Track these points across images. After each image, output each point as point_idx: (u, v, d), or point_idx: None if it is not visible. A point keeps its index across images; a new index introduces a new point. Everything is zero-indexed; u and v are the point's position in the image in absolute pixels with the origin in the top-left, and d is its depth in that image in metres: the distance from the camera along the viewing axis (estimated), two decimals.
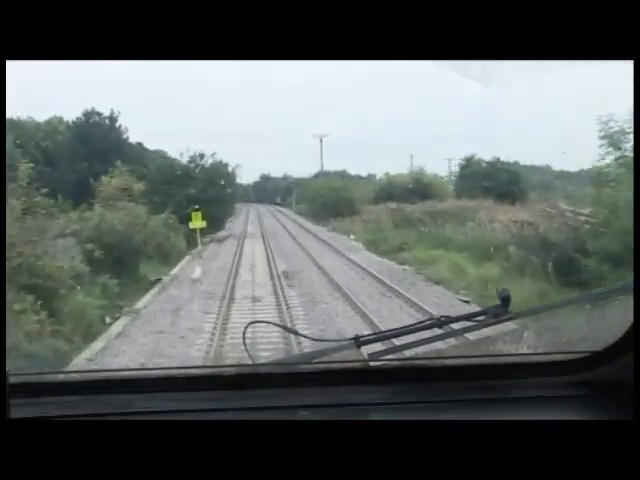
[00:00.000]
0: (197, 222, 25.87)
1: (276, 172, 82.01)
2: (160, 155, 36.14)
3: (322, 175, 55.22)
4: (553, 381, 1.54)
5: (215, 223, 30.46)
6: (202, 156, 33.22)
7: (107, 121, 35.07)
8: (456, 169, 44.62)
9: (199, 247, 25.61)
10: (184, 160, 33.01)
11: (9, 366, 1.21)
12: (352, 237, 30.64)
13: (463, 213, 26.54)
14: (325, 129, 58.22)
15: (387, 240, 25.36)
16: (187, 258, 23.47)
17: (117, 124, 35.44)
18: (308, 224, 41.91)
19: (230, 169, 34.51)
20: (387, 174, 47.51)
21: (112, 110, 35.51)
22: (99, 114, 35.18)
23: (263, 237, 32.85)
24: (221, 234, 32.90)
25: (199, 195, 29.53)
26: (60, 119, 35.72)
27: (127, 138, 35.85)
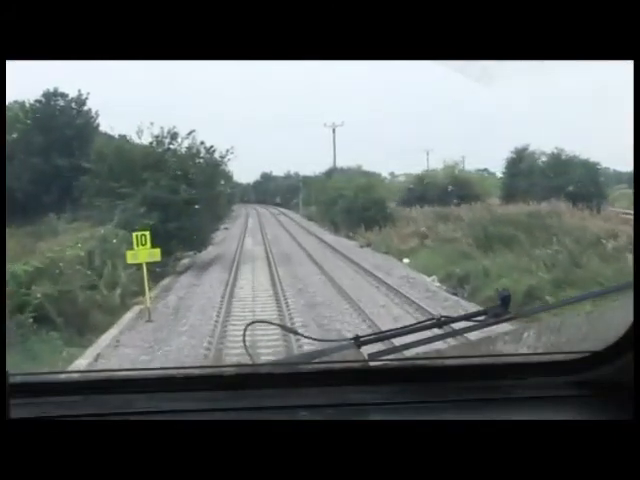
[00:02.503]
0: (142, 253, 13.46)
1: (278, 171, 76.39)
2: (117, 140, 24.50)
3: (336, 172, 44.89)
4: (553, 381, 1.54)
5: (195, 239, 21.72)
6: (174, 136, 22.65)
7: (73, 104, 27.98)
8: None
9: (147, 299, 13.39)
10: (144, 140, 22.58)
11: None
12: (405, 261, 21.43)
13: (548, 222, 18.79)
14: (335, 119, 49.10)
15: (499, 279, 13.66)
16: (124, 321, 12.82)
17: (85, 108, 28.10)
18: (328, 236, 31.45)
19: (219, 156, 24.21)
20: (420, 171, 39.19)
21: (80, 91, 28.13)
22: (63, 96, 28.01)
23: (269, 261, 21.96)
24: (204, 256, 23.04)
25: (169, 196, 20.35)
26: (22, 105, 28.02)
27: (97, 125, 27.80)
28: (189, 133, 23.22)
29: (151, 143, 22.75)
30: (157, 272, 17.19)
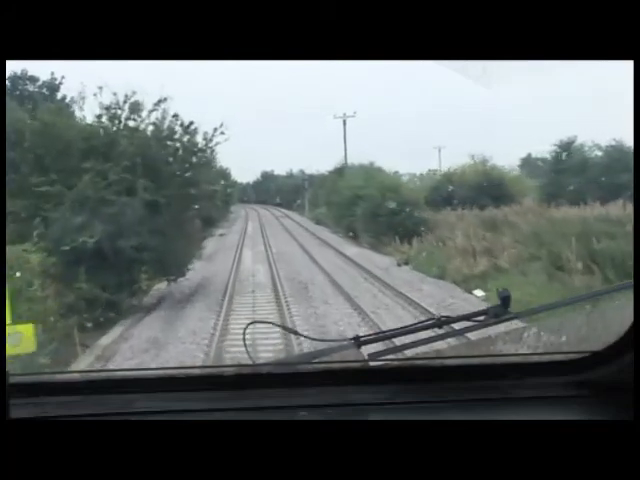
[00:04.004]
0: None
1: (280, 170, 72.74)
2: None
3: (348, 169, 37.20)
4: (553, 381, 1.54)
5: (167, 262, 14.78)
6: (135, 107, 14.93)
7: (45, 90, 23.31)
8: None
9: None
10: (89, 113, 14.93)
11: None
12: (479, 294, 14.10)
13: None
14: (346, 109, 42.70)
15: None
16: None
17: (59, 94, 22.22)
18: (348, 247, 24.44)
19: (204, 138, 16.22)
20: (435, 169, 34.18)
21: (53, 74, 22.76)
22: (33, 80, 22.87)
23: (277, 294, 14.98)
24: (183, 284, 16.29)
25: (121, 198, 13.66)
26: None
27: (72, 113, 18.10)
28: (158, 102, 15.18)
29: (98, 118, 14.78)
30: (108, 318, 12.28)
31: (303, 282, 16.71)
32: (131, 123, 15.58)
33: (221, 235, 29.23)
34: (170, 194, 15.15)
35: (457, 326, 1.73)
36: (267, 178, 74.42)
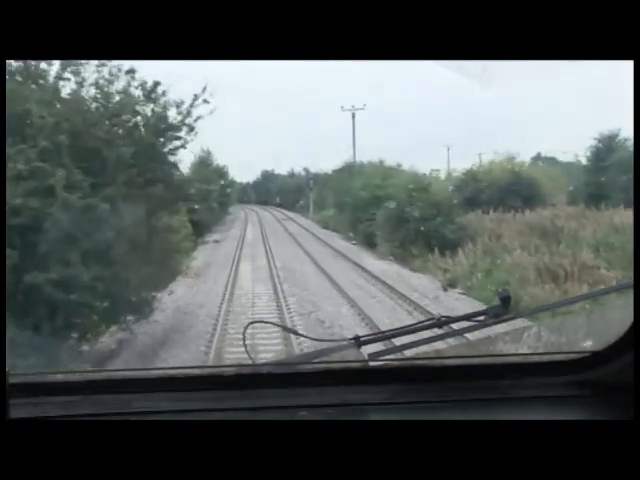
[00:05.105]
0: None
1: (280, 169, 70.27)
2: None
3: (358, 167, 34.00)
4: (553, 381, 1.54)
5: (118, 307, 9.73)
6: (75, 64, 9.66)
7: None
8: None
9: None
10: None
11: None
12: None
13: None
14: (346, 103, 37.87)
15: None
16: None
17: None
18: (371, 261, 19.65)
19: (176, 106, 10.83)
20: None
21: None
22: None
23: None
24: (142, 336, 10.07)
25: (26, 200, 8.32)
26: None
27: None
28: (119, 70, 10.54)
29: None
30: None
31: (323, 320, 11.91)
32: (64, 88, 10.18)
33: (216, 242, 24.30)
34: (117, 194, 9.64)
35: (457, 326, 1.73)
36: (268, 177, 72.32)
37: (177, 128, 11.09)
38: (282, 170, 69.15)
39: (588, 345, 1.60)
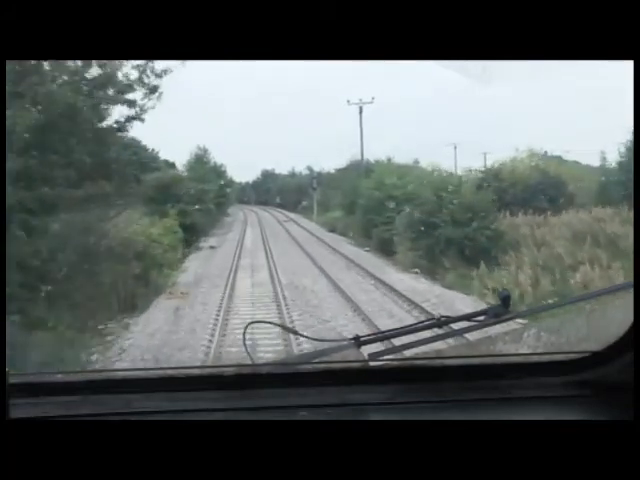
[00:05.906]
0: None
1: (281, 168, 68.55)
2: None
3: (365, 166, 31.31)
4: (553, 381, 1.54)
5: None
6: None
7: None
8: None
9: None
10: None
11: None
12: None
13: None
14: (350, 97, 34.69)
15: None
16: None
17: None
18: (394, 275, 16.50)
19: (136, 66, 8.08)
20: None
21: None
22: None
23: None
24: None
25: None
26: None
27: None
28: None
29: None
30: None
31: None
32: None
33: (211, 248, 21.38)
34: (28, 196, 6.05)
35: (457, 326, 1.73)
36: (268, 177, 70.41)
37: (128, 88, 7.54)
38: (282, 169, 67.95)
39: (588, 345, 1.60)
